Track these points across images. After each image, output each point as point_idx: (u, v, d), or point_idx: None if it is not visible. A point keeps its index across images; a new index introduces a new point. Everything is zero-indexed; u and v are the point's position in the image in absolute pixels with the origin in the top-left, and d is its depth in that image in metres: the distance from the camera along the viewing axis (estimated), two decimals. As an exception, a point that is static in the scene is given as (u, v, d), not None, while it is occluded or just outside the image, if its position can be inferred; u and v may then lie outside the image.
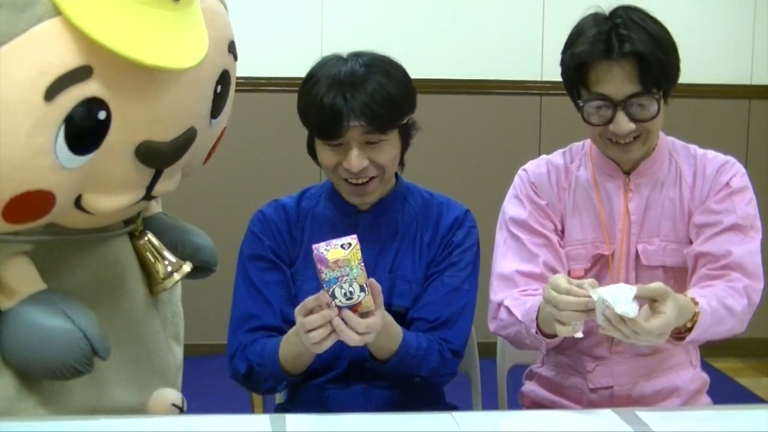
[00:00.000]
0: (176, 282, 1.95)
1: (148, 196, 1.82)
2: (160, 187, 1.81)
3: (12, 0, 1.55)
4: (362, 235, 1.95)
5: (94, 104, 1.62)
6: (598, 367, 2.04)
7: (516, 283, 2.00)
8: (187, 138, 1.77)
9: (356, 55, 1.93)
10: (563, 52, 1.99)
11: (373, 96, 1.86)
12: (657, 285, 1.75)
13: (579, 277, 2.00)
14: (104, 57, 1.58)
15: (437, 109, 4.07)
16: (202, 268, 2.03)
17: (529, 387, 2.17)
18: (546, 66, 4.36)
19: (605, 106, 1.92)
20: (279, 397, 2.13)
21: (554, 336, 1.85)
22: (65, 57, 1.58)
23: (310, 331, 1.69)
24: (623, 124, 1.91)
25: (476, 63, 4.40)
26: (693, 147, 2.08)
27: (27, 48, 1.57)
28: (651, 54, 1.89)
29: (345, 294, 1.66)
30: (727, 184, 2.01)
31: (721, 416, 1.92)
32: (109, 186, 1.73)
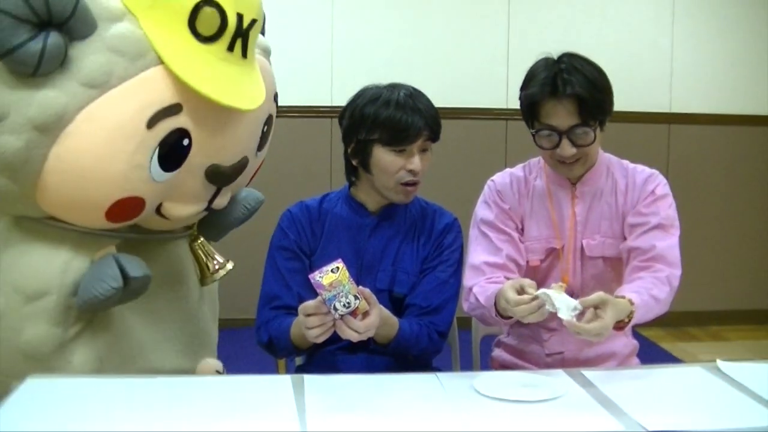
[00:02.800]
0: (222, 276, 2.05)
1: (209, 208, 1.95)
2: (217, 202, 1.94)
3: (130, 51, 1.72)
4: (371, 232, 2.12)
5: (181, 133, 1.77)
6: (552, 336, 2.16)
7: (484, 272, 2.08)
8: (242, 164, 1.91)
9: (394, 86, 2.05)
10: (521, 90, 2.07)
11: (432, 114, 2.03)
12: (597, 295, 1.80)
13: (535, 267, 2.14)
14: (192, 97, 1.73)
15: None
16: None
17: (497, 353, 2.29)
18: (511, 95, 4.40)
19: (553, 134, 2.01)
20: (298, 360, 2.25)
21: (511, 317, 1.94)
22: (164, 95, 1.73)
23: (309, 328, 1.79)
24: (567, 149, 2.01)
25: (449, 92, 4.48)
26: (625, 162, 2.19)
27: (138, 87, 1.72)
28: (588, 94, 1.97)
29: (344, 305, 1.74)
30: (653, 192, 2.11)
31: (647, 373, 1.96)
32: (183, 198, 1.87)
